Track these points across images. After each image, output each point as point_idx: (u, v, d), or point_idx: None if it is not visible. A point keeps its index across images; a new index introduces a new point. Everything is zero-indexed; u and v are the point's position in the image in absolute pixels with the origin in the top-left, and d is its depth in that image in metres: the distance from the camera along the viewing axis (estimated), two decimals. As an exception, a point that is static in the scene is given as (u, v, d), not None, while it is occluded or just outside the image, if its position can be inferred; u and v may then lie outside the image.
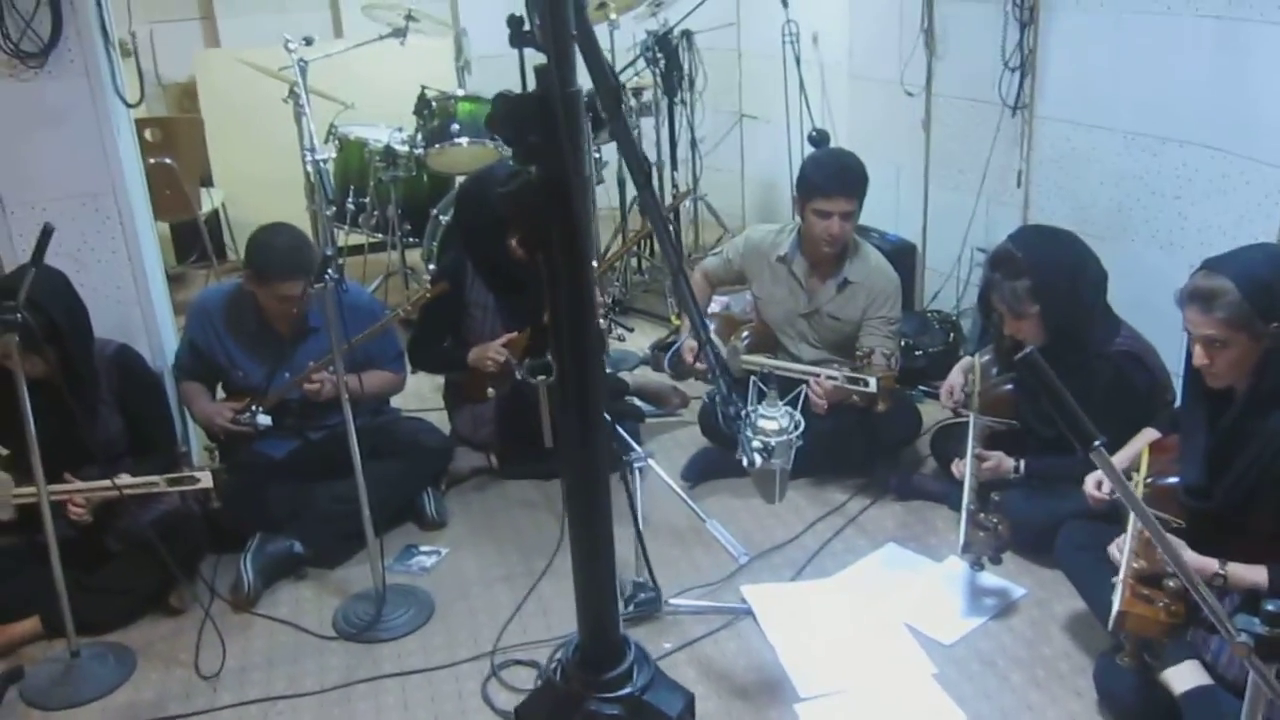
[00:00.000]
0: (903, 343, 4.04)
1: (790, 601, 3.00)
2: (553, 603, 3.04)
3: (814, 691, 2.66)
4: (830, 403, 3.30)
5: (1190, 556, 2.42)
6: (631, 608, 2.90)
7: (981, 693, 2.65)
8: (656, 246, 5.53)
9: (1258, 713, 1.26)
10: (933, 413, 3.83)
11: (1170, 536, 2.41)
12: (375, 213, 5.11)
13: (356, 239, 5.44)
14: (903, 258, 4.46)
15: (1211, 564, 2.41)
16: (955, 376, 3.38)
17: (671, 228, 5.18)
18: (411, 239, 5.13)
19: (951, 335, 4.31)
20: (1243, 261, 2.40)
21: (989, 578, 3.01)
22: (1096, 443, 1.25)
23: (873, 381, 3.17)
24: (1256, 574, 2.39)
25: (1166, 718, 2.43)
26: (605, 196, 5.56)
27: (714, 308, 4.22)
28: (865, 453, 3.55)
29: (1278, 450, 2.37)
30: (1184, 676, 2.41)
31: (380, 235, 5.22)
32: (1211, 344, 2.40)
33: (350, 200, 5.17)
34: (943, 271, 4.57)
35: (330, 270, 2.64)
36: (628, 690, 1.24)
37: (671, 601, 2.93)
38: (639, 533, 2.86)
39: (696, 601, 2.98)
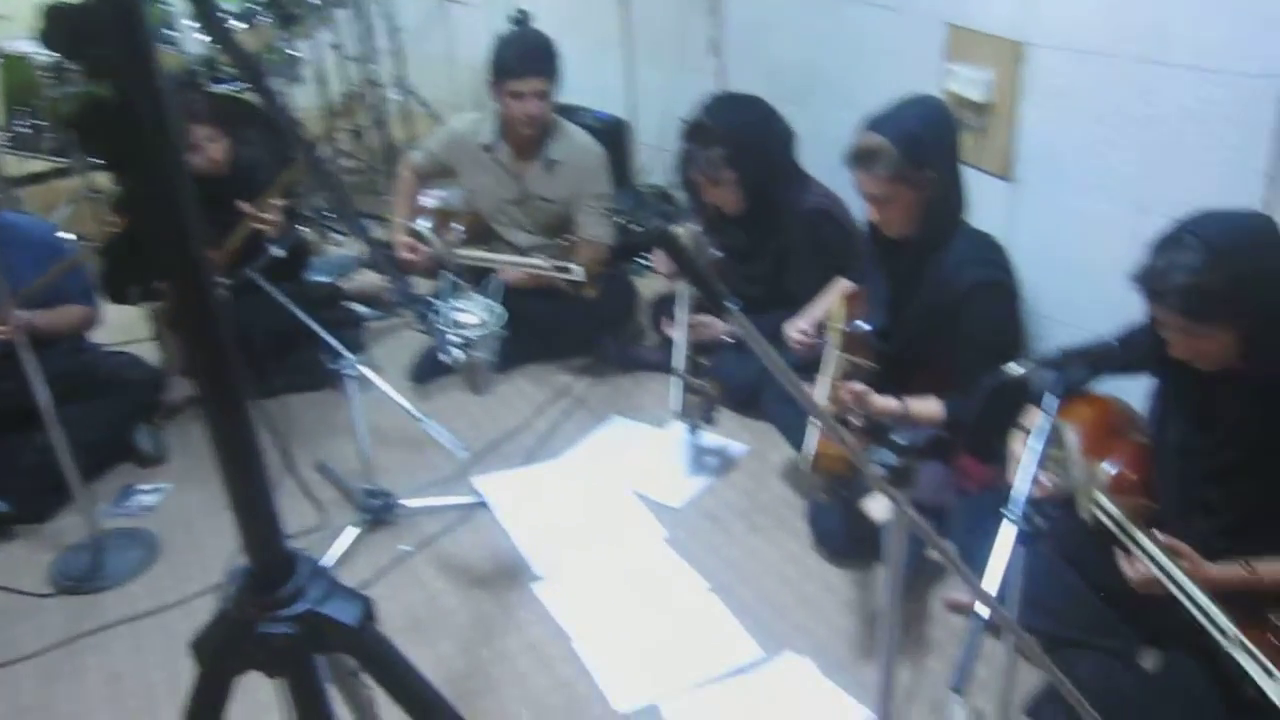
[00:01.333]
0: (619, 219, 4.09)
1: (522, 486, 3.05)
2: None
3: (550, 569, 2.73)
4: (538, 286, 3.34)
5: (877, 399, 2.60)
6: (365, 515, 2.87)
7: (709, 548, 2.80)
8: (367, 146, 5.35)
9: (900, 536, 1.38)
10: (651, 285, 3.91)
11: (856, 384, 2.60)
12: (52, 135, 4.68)
13: (38, 165, 4.99)
14: (614, 134, 4.49)
15: (895, 404, 2.60)
16: None
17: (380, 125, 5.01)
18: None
19: (668, 207, 4.40)
20: (896, 118, 2.53)
21: (709, 437, 3.14)
22: (729, 305, 1.30)
23: (578, 270, 3.19)
24: (933, 406, 2.60)
25: (873, 543, 2.63)
26: (308, 95, 5.29)
27: (430, 203, 4.13)
28: (586, 331, 3.60)
29: (943, 288, 2.56)
30: (882, 504, 2.61)
31: (63, 159, 4.80)
32: (879, 201, 2.54)
33: (23, 123, 4.72)
34: (654, 145, 4.63)
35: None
36: (302, 606, 1.23)
37: (404, 503, 2.93)
38: (362, 441, 2.83)
39: (430, 500, 2.98)
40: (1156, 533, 1.98)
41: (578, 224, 3.57)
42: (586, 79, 4.43)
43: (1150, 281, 1.93)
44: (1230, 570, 1.96)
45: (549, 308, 3.43)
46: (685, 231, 3.40)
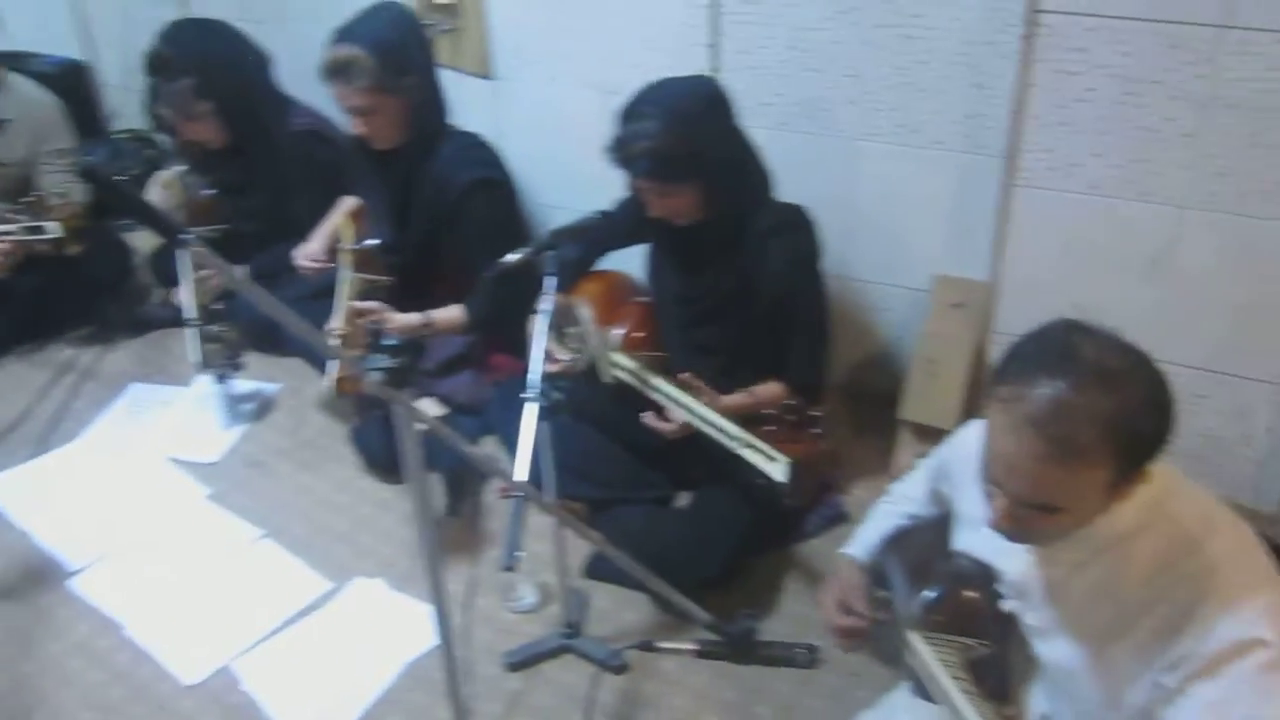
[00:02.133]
0: (98, 173, 3.73)
1: (36, 480, 2.76)
2: None
3: (86, 559, 2.51)
4: (17, 257, 2.98)
5: (396, 316, 2.59)
6: None
7: (256, 495, 2.70)
8: None
9: (410, 434, 1.39)
10: (149, 238, 3.63)
11: (371, 304, 2.58)
12: None
13: None
14: (71, 79, 4.07)
15: (416, 318, 2.62)
16: (154, 195, 3.21)
17: None
18: None
19: (151, 151, 4.07)
20: (366, 27, 2.49)
21: (240, 384, 3.00)
22: (187, 238, 1.24)
23: (54, 226, 2.86)
24: (454, 312, 2.65)
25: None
26: None
27: None
28: (81, 299, 3.28)
29: (439, 193, 2.60)
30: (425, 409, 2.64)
31: None
32: (363, 113, 2.50)
33: None
34: (121, 85, 4.25)
35: None
36: None
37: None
38: None
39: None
40: (683, 377, 2.16)
41: (41, 185, 3.20)
42: (28, 21, 3.99)
43: (619, 152, 2.07)
44: (738, 398, 2.20)
45: (31, 280, 3.07)
46: (170, 174, 3.16)
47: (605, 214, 2.15)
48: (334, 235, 2.88)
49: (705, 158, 2.05)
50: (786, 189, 2.29)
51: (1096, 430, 1.15)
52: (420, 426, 1.44)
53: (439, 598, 1.58)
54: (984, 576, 1.49)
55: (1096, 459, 1.17)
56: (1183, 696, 1.23)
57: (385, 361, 1.34)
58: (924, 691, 1.41)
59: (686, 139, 2.02)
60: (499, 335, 2.72)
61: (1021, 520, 1.26)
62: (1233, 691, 1.19)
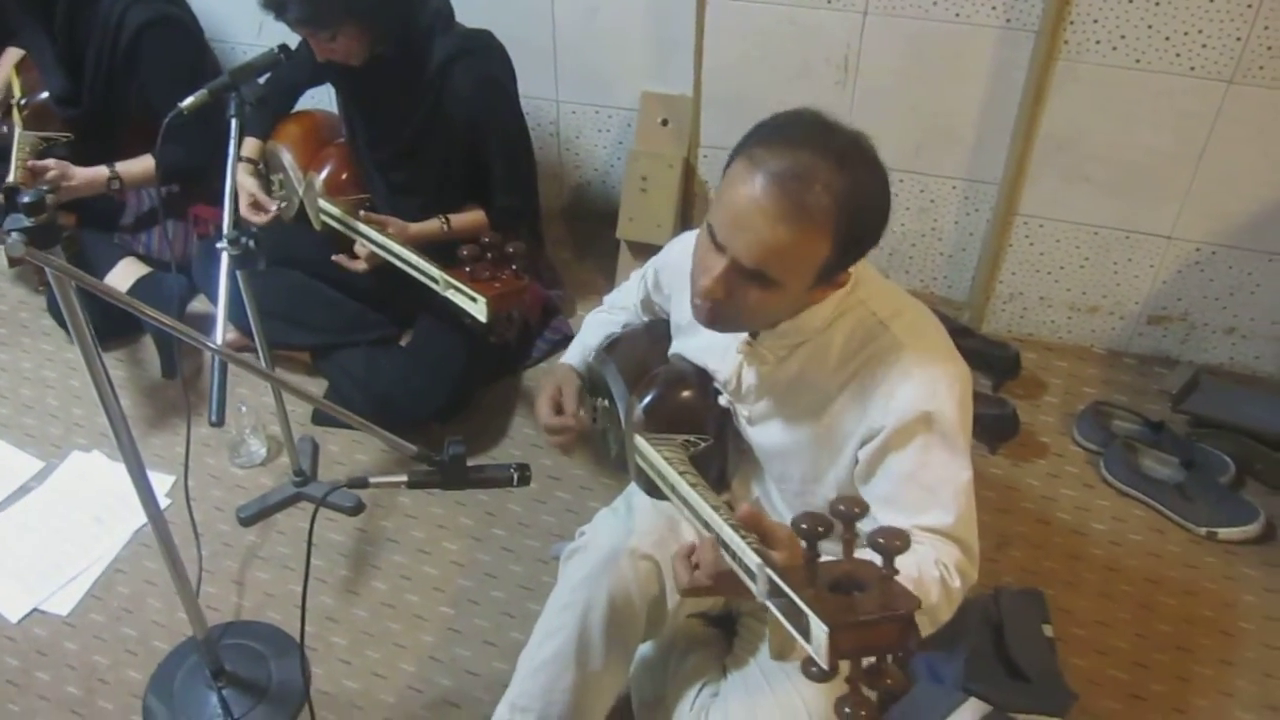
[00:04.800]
0: None
1: None
2: None
3: None
4: None
5: (81, 172, 2.41)
6: None
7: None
8: None
9: (68, 296, 1.30)
10: None
11: (49, 161, 2.39)
12: None
13: None
14: None
15: (103, 172, 2.44)
16: None
17: None
18: None
19: None
20: None
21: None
22: None
23: None
24: (142, 164, 2.48)
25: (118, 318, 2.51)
26: None
27: None
28: None
29: (113, 34, 2.39)
30: (121, 276, 2.51)
31: None
32: None
33: None
34: None
35: None
36: None
37: None
38: None
39: None
40: (364, 214, 2.11)
41: None
42: None
43: None
44: (429, 226, 2.19)
45: None
46: None
47: (285, 48, 2.03)
48: (3, 90, 2.63)
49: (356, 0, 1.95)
50: (482, 16, 2.23)
51: (830, 198, 1.19)
52: (61, 284, 1.32)
53: (131, 461, 1.53)
54: (699, 376, 1.56)
55: (821, 229, 1.20)
56: (881, 468, 1.34)
57: (23, 221, 1.23)
58: (654, 490, 1.46)
59: None
60: (197, 185, 2.57)
61: (733, 291, 1.27)
62: (921, 459, 1.31)
